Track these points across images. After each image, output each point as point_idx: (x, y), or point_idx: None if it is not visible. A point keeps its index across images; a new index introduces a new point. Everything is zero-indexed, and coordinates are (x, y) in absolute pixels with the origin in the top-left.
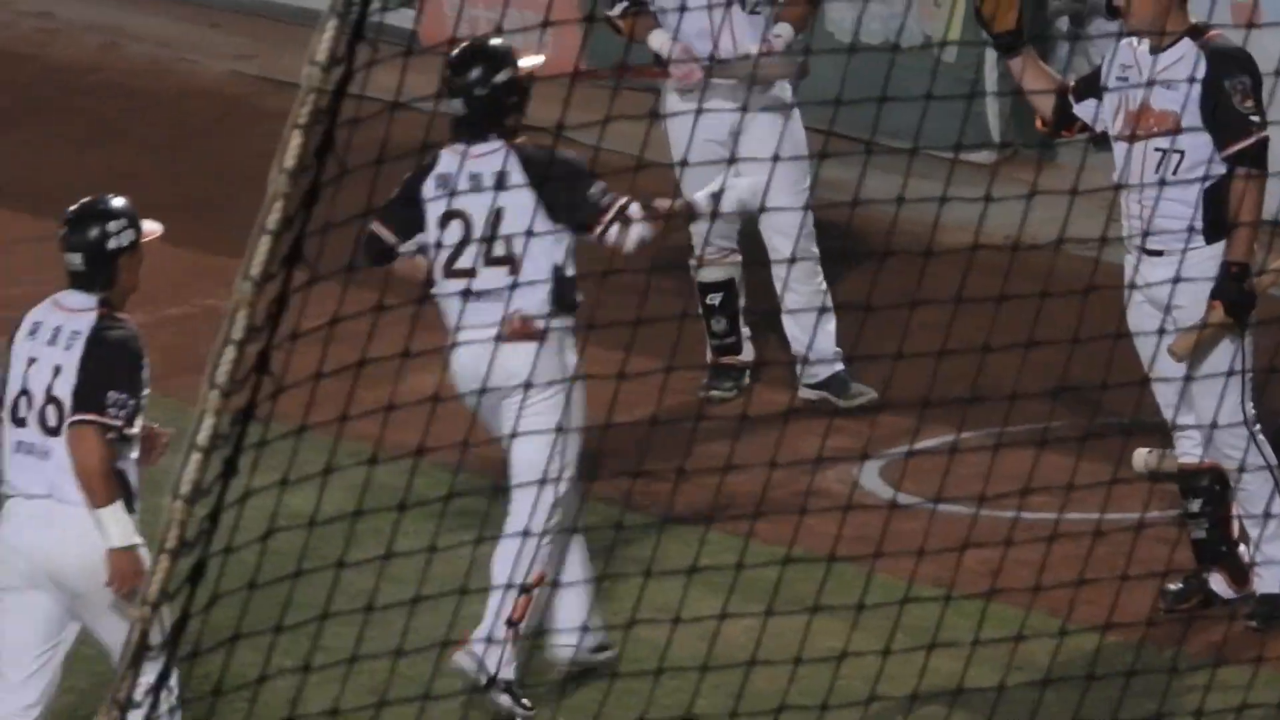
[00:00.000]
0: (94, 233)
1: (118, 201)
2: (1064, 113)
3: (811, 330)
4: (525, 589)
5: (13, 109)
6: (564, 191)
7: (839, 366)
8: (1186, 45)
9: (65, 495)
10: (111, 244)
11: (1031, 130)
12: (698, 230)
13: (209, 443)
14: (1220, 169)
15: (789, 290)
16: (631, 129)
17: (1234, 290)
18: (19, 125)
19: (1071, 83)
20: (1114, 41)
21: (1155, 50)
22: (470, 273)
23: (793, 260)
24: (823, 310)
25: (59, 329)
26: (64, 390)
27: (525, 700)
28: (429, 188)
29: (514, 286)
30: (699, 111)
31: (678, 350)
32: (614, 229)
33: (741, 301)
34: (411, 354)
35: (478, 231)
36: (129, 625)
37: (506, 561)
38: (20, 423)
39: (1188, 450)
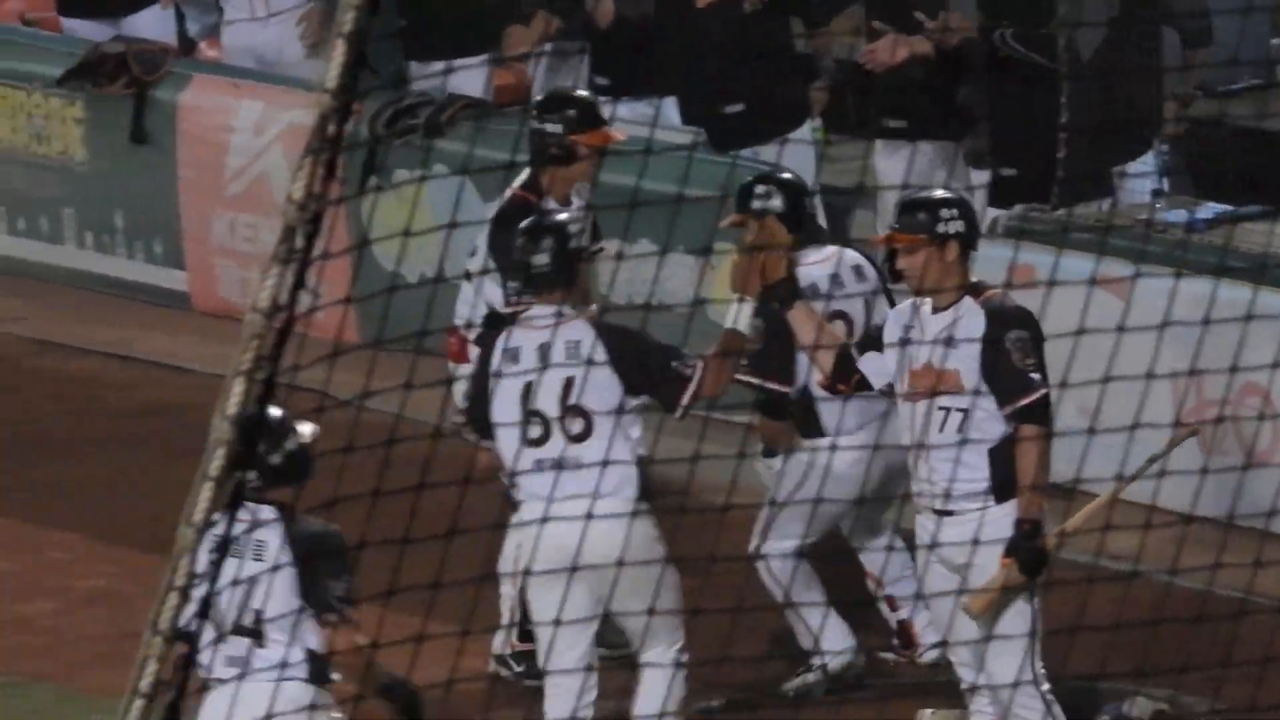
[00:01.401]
0: None
1: None
2: (845, 365)
3: None
4: None
5: None
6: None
7: None
8: (967, 304)
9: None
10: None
11: None
12: None
13: None
14: (1004, 428)
15: None
16: None
17: (1027, 548)
18: None
19: (845, 337)
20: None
21: (936, 309)
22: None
23: None
24: None
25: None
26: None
27: None
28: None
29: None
30: None
31: None
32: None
33: None
34: None
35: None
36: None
37: None
38: (536, 442)
39: (982, 709)
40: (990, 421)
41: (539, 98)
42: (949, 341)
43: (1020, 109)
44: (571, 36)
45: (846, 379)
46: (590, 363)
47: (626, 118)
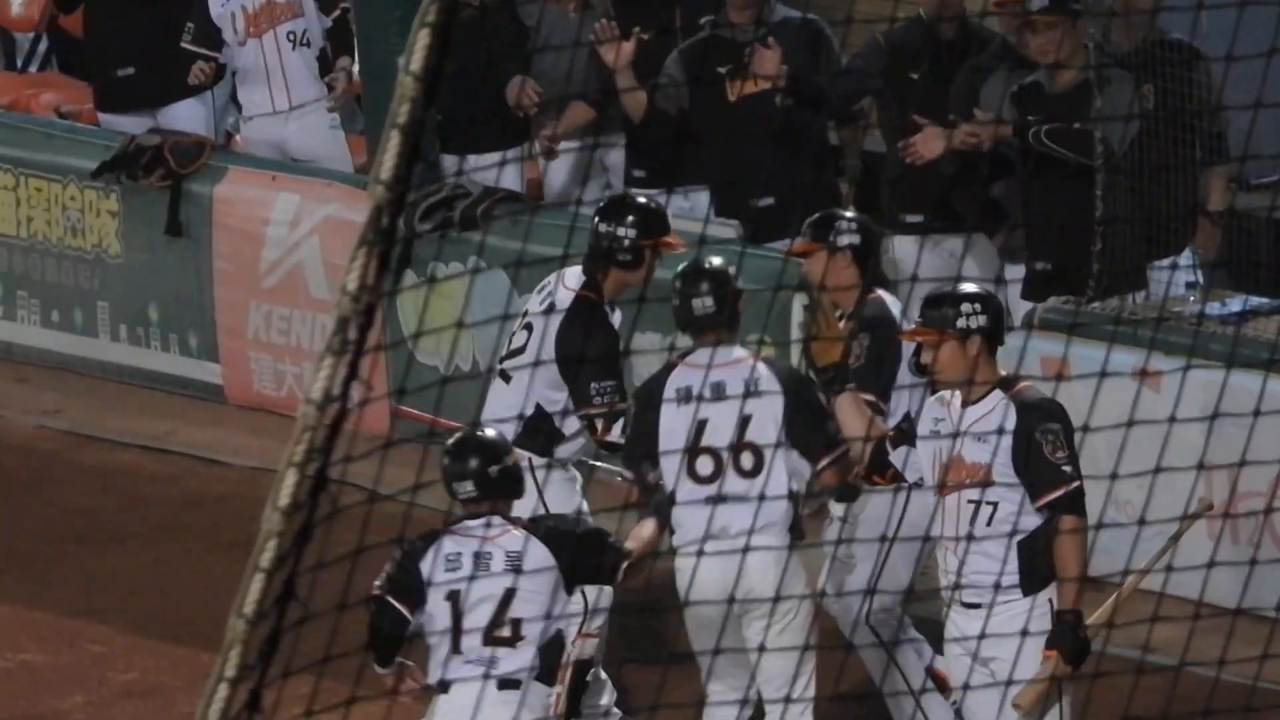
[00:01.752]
0: None
1: None
2: (880, 459)
3: None
4: None
5: None
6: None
7: None
8: (996, 397)
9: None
10: None
11: None
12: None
13: None
14: (1034, 521)
15: None
16: None
17: (1071, 639)
18: None
19: (890, 429)
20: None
21: (966, 403)
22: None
23: None
24: None
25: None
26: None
27: None
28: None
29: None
30: None
31: None
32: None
33: None
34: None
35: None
36: None
37: None
38: (705, 480)
39: None
40: (1018, 516)
41: (604, 202)
42: (979, 435)
43: (1055, 203)
44: (607, 129)
45: (882, 471)
46: (759, 394)
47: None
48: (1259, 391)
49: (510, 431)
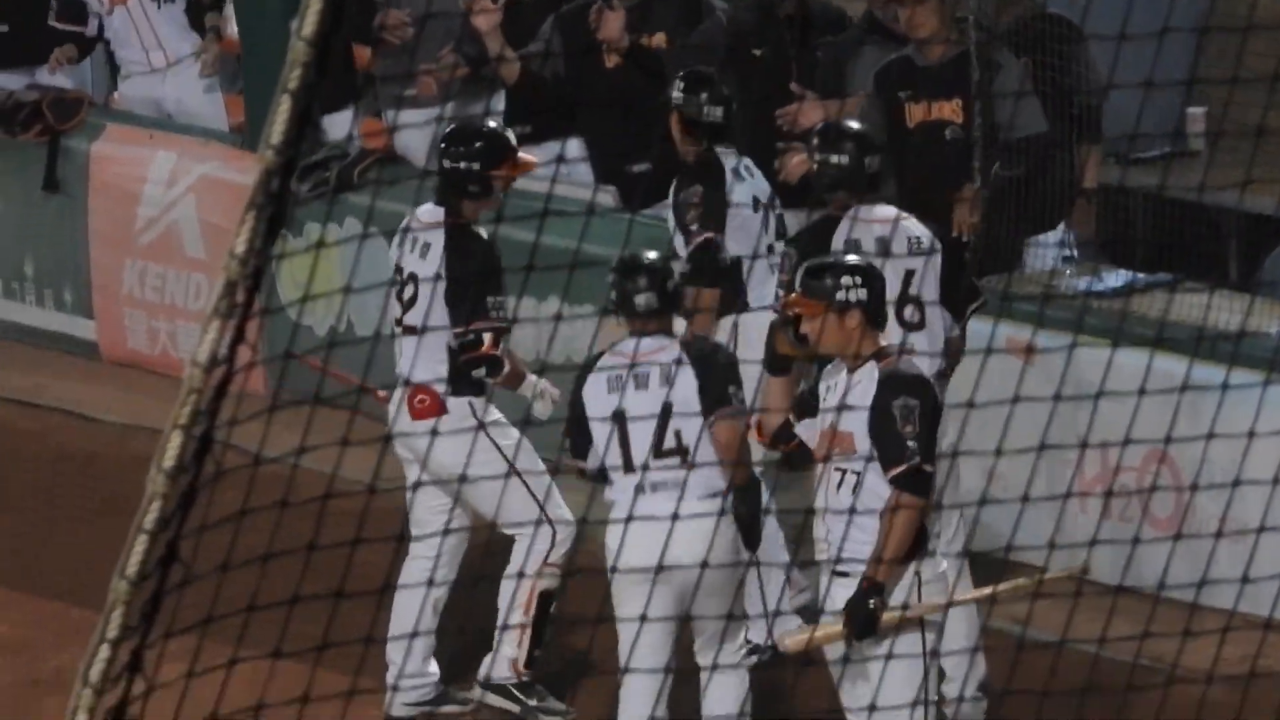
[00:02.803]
0: None
1: None
2: (784, 429)
3: None
4: None
5: None
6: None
7: None
8: (869, 368)
9: None
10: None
11: None
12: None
13: None
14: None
15: None
16: None
17: (862, 610)
18: None
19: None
20: None
21: (850, 371)
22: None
23: None
24: None
25: None
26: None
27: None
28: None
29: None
30: None
31: None
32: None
33: None
34: None
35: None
36: None
37: None
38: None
39: None
40: (882, 485)
41: (448, 131)
42: (851, 406)
43: (931, 176)
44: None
45: (786, 442)
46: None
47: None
48: (1144, 368)
49: (440, 379)
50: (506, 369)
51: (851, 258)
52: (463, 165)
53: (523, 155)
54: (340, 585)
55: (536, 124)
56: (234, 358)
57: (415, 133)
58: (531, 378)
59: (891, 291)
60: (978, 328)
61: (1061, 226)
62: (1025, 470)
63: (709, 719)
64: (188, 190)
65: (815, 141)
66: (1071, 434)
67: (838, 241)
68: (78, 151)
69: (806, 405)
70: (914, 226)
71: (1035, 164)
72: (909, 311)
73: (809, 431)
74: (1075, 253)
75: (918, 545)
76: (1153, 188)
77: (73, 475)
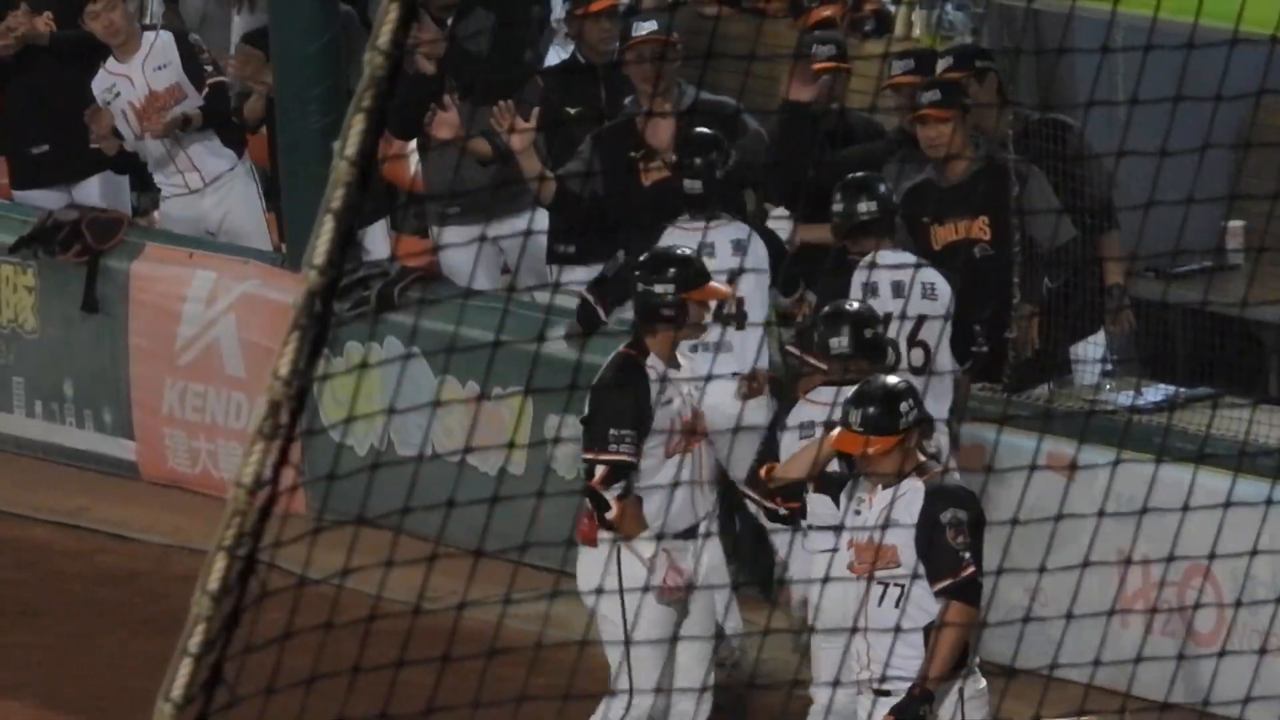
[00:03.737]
0: None
1: None
2: (796, 490)
3: None
4: None
5: None
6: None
7: None
8: (910, 482)
9: None
10: None
11: None
12: None
13: None
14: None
15: None
16: None
17: (913, 713)
18: None
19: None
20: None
21: (884, 486)
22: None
23: None
24: None
25: None
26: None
27: None
28: None
29: None
30: None
31: None
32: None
33: None
34: None
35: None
36: None
37: None
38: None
39: None
40: (928, 600)
41: (644, 258)
42: (893, 521)
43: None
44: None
45: (790, 500)
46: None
47: None
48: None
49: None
50: (613, 511)
51: (891, 379)
52: (657, 289)
53: (713, 287)
54: (384, 706)
55: (580, 245)
56: (278, 479)
57: (458, 250)
58: (647, 540)
59: (901, 335)
60: (1019, 443)
61: (1103, 340)
62: (1069, 586)
63: None
64: (228, 309)
65: (838, 194)
66: (1113, 550)
67: (855, 288)
68: (117, 271)
69: (831, 482)
70: (928, 273)
71: (1073, 272)
72: (915, 355)
73: (818, 508)
74: (1113, 366)
75: (961, 661)
76: (1194, 302)
77: (114, 595)
